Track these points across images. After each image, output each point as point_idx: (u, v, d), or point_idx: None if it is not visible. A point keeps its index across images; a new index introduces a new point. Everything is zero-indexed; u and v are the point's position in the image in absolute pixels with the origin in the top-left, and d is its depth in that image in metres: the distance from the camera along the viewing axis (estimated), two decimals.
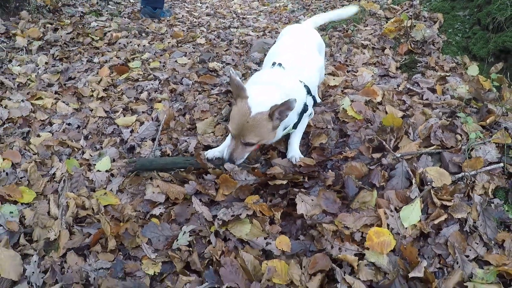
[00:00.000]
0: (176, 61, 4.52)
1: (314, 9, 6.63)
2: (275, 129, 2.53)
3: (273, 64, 2.87)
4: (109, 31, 5.26)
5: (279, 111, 2.41)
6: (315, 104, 3.11)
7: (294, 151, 2.78)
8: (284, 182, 2.48)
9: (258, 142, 2.51)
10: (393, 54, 4.38)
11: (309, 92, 2.82)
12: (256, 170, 2.57)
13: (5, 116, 3.42)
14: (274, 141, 2.70)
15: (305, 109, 2.77)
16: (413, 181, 2.39)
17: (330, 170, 2.63)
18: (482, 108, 3.06)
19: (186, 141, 3.03)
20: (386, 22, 4.96)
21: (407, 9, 5.19)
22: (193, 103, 3.57)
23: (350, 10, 3.48)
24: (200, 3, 7.79)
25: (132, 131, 3.25)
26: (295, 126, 2.78)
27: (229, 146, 2.57)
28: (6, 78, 3.99)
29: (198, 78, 4.04)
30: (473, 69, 3.85)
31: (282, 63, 2.85)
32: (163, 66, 4.44)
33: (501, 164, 2.50)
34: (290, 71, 2.81)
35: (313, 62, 3.05)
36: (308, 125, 3.05)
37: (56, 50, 4.62)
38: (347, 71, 4.05)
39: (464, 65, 4.00)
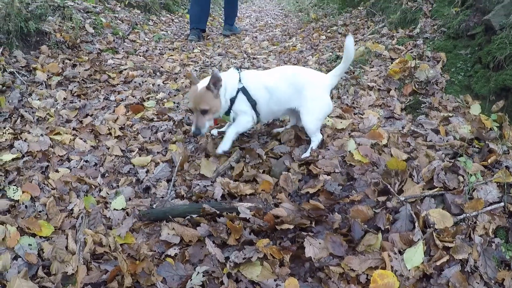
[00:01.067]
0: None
1: (322, 49, 6.79)
2: (217, 98, 3.29)
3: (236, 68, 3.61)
4: (125, 69, 5.43)
5: (212, 82, 3.21)
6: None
7: (223, 144, 3.48)
8: (292, 227, 2.59)
9: (209, 108, 3.25)
10: (398, 95, 4.51)
11: (244, 92, 3.45)
12: (267, 215, 2.69)
13: (24, 149, 3.53)
14: (222, 112, 3.42)
15: (232, 100, 3.44)
16: (416, 224, 2.49)
17: (337, 213, 2.73)
18: (484, 148, 3.17)
19: (198, 184, 3.16)
20: (391, 63, 5.10)
21: (411, 49, 5.32)
22: (205, 146, 3.71)
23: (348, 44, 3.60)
24: (212, 43, 7.97)
25: (147, 172, 3.37)
26: (227, 113, 3.48)
27: (193, 121, 3.34)
28: (26, 111, 4.12)
29: None
30: (475, 108, 3.98)
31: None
32: (177, 106, 4.58)
33: (502, 204, 2.59)
34: (241, 74, 3.53)
35: (263, 80, 3.55)
36: (315, 168, 3.17)
37: (75, 86, 4.77)
38: (354, 114, 4.18)
39: (466, 104, 4.11)
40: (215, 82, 3.22)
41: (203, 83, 3.31)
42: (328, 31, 8.07)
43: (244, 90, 3.44)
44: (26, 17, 5.20)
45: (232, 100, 3.43)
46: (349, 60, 3.50)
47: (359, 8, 9.24)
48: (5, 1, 5.22)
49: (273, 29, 10.07)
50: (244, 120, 3.51)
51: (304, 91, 3.49)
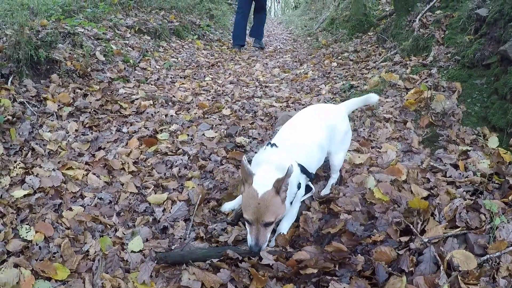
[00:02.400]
0: (203, 134, 4.63)
1: (334, 77, 6.76)
2: (284, 202, 2.62)
3: (268, 143, 2.97)
4: (137, 99, 5.39)
5: (283, 183, 2.51)
6: (308, 190, 3.10)
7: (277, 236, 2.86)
8: (315, 271, 2.51)
9: (275, 219, 2.59)
10: (415, 127, 4.45)
11: (303, 170, 2.88)
12: (289, 260, 2.61)
13: (36, 185, 3.47)
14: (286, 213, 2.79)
15: (298, 186, 2.83)
16: (441, 267, 2.40)
17: (359, 255, 2.66)
18: (504, 184, 3.11)
19: (215, 228, 3.07)
20: (406, 93, 5.05)
21: (425, 78, 5.27)
22: (222, 183, 3.65)
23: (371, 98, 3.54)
24: (223, 70, 7.96)
25: (164, 210, 3.30)
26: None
27: (251, 233, 2.61)
28: (37, 144, 4.07)
29: (226, 154, 4.14)
30: (493, 141, 3.91)
31: (276, 143, 2.94)
32: (191, 139, 4.53)
33: None
34: (282, 150, 2.89)
35: (311, 141, 3.07)
36: (336, 206, 3.10)
37: (86, 117, 4.72)
38: (371, 147, 4.11)
39: (484, 137, 4.04)
40: (286, 182, 2.53)
41: (260, 180, 2.59)
42: (340, 57, 8.07)
43: (303, 170, 2.89)
44: (36, 45, 5.18)
45: (298, 186, 2.85)
46: (364, 103, 3.44)
47: (369, 33, 9.27)
48: (15, 28, 5.21)
49: (283, 55, 10.09)
50: (297, 207, 3.03)
51: (336, 130, 3.26)
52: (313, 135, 3.08)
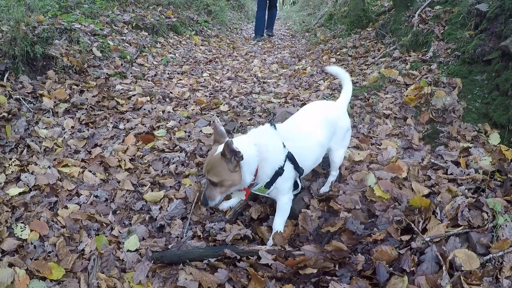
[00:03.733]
0: (201, 130, 4.57)
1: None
2: (234, 171, 2.58)
3: (270, 122, 2.90)
4: (134, 95, 5.32)
5: (228, 149, 2.46)
6: (296, 186, 3.01)
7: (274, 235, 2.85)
8: (315, 271, 2.47)
9: (218, 181, 2.58)
10: (415, 124, 4.40)
11: (291, 159, 2.80)
12: (288, 260, 2.56)
13: (31, 183, 3.43)
14: (241, 187, 2.72)
15: (279, 172, 2.75)
16: (444, 267, 2.36)
17: (360, 254, 2.62)
18: (506, 181, 3.07)
19: (213, 227, 3.01)
20: (406, 89, 4.99)
21: (425, 74, 5.22)
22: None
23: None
24: (221, 66, 7.90)
25: (161, 208, 3.25)
26: (267, 186, 2.78)
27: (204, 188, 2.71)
28: (32, 141, 4.02)
29: None
30: (495, 138, 3.88)
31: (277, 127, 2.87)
32: (188, 136, 4.47)
33: None
34: (277, 133, 2.83)
35: (311, 136, 3.01)
36: (335, 204, 3.05)
37: (82, 114, 4.66)
38: (371, 144, 4.06)
39: (485, 134, 4.01)
40: (229, 151, 2.47)
41: (222, 145, 2.57)
42: (338, 53, 8.01)
43: (291, 158, 2.80)
44: (32, 41, 5.12)
45: (279, 172, 2.75)
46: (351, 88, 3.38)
47: (367, 29, 9.19)
48: (11, 24, 5.15)
49: (282, 50, 10.03)
50: (287, 201, 2.92)
51: (338, 126, 3.18)
52: (314, 131, 3.02)
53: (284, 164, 2.77)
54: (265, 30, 12.72)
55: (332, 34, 10.00)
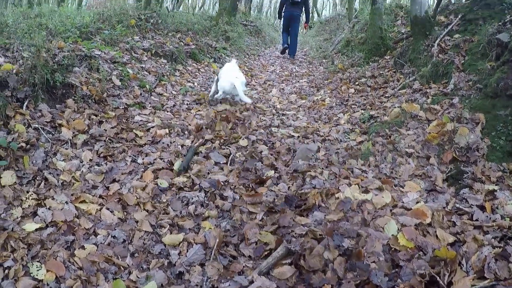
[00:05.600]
0: (221, 168, 4.52)
1: (352, 105, 6.64)
2: None
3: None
4: (153, 127, 5.29)
5: None
6: None
7: None
8: None
9: None
10: (438, 163, 4.30)
11: None
12: None
13: (48, 219, 3.39)
14: None
15: None
16: None
17: None
18: None
19: (229, 285, 2.90)
20: (428, 125, 4.90)
21: (447, 108, 5.12)
22: (239, 227, 3.54)
23: None
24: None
25: (179, 253, 3.17)
26: None
27: None
28: (50, 173, 3.99)
29: (244, 191, 4.02)
30: None
31: None
32: (208, 173, 4.41)
33: None
34: None
35: None
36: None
37: (101, 146, 4.63)
38: (394, 185, 3.97)
39: (510, 174, 3.90)
40: None
41: None
42: (357, 83, 7.93)
43: None
44: (52, 69, 5.14)
45: None
46: None
47: (385, 57, 9.13)
48: (32, 50, 5.18)
49: (299, 79, 9.98)
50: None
51: None
52: None
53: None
54: (287, 50, 13.93)
55: (350, 62, 9.93)
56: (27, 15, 8.89)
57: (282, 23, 14.22)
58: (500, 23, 6.16)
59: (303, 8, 13.52)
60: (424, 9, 7.78)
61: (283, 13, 13.69)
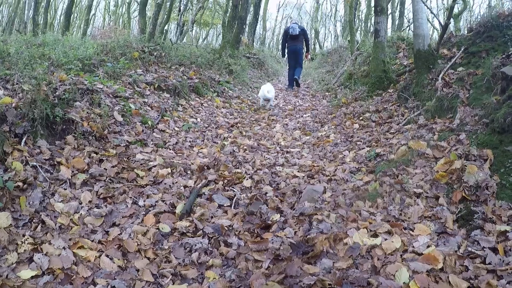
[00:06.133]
0: (225, 211, 4.39)
1: (357, 141, 6.53)
2: None
3: None
4: (154, 166, 5.17)
5: None
6: None
7: None
8: None
9: None
10: (448, 203, 4.16)
11: None
12: None
13: (45, 265, 3.25)
14: None
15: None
16: None
17: None
18: None
19: None
20: (436, 163, 4.78)
21: (454, 144, 5.00)
22: (245, 277, 3.37)
23: None
24: (243, 131, 7.78)
25: None
26: None
27: None
28: (47, 215, 3.85)
29: (249, 237, 3.88)
30: None
31: None
32: (211, 217, 4.27)
33: None
34: None
35: None
36: None
37: (101, 186, 4.50)
38: (404, 228, 3.83)
39: None
40: None
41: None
42: (361, 118, 7.86)
43: None
44: (53, 103, 5.06)
45: None
46: None
47: (389, 90, 9.08)
48: (33, 83, 5.10)
49: (303, 113, 9.92)
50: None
51: None
52: None
53: None
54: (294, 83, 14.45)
55: (354, 96, 9.87)
56: (30, 43, 8.85)
57: (287, 59, 14.93)
58: (503, 56, 6.10)
59: (303, 40, 14.21)
60: (427, 42, 7.77)
61: (286, 50, 14.32)
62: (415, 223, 3.91)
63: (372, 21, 23.24)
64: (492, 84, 5.68)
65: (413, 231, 3.78)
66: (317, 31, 43.79)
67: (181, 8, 25.20)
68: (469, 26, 9.19)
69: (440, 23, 10.24)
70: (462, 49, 7.60)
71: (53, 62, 7.41)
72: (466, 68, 6.85)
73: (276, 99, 12.27)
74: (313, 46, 40.87)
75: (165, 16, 17.91)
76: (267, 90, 10.56)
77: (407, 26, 25.20)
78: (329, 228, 3.89)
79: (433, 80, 7.16)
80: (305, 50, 14.82)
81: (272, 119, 9.26)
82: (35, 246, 3.46)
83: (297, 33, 13.74)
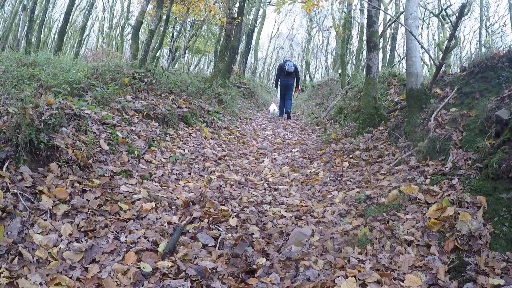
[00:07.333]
0: (210, 252, 4.24)
1: (347, 181, 6.43)
2: None
3: None
4: (138, 199, 5.01)
5: None
6: None
7: None
8: None
9: None
10: (440, 253, 4.05)
11: None
12: None
13: None
14: None
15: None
16: None
17: None
18: None
19: None
20: (427, 209, 4.69)
21: (447, 189, 4.92)
22: None
23: None
24: (231, 165, 7.66)
25: None
26: None
27: None
28: (25, 247, 3.68)
29: (233, 282, 3.72)
30: None
31: None
32: (195, 258, 4.11)
33: None
34: None
35: None
36: None
37: (82, 219, 4.33)
38: (393, 279, 3.70)
39: None
40: None
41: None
42: (351, 156, 7.78)
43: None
44: (38, 128, 4.93)
45: None
46: None
47: (380, 128, 9.03)
48: (19, 106, 4.94)
49: (292, 148, 9.84)
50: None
51: None
52: None
53: None
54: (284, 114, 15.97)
55: (344, 132, 9.82)
56: (21, 62, 8.70)
57: (279, 91, 17.07)
58: (498, 98, 6.08)
59: (295, 77, 16.06)
60: (420, 81, 7.76)
61: (279, 83, 16.14)
62: (405, 273, 3.78)
63: (364, 55, 23.54)
64: (486, 127, 5.62)
65: (403, 282, 3.66)
66: (308, 62, 44.15)
67: (175, 34, 25.31)
68: (462, 65, 9.23)
69: (430, 57, 10.29)
70: (455, 89, 7.57)
71: (42, 84, 7.27)
72: (459, 109, 6.81)
73: (265, 130, 12.23)
74: (303, 77, 41.19)
75: (158, 42, 17.89)
76: (273, 108, 16.35)
77: (398, 62, 25.48)
78: (316, 275, 3.76)
79: (425, 120, 7.11)
80: (296, 85, 16.19)
81: (261, 153, 9.16)
82: (11, 280, 3.30)
83: (292, 70, 15.61)
